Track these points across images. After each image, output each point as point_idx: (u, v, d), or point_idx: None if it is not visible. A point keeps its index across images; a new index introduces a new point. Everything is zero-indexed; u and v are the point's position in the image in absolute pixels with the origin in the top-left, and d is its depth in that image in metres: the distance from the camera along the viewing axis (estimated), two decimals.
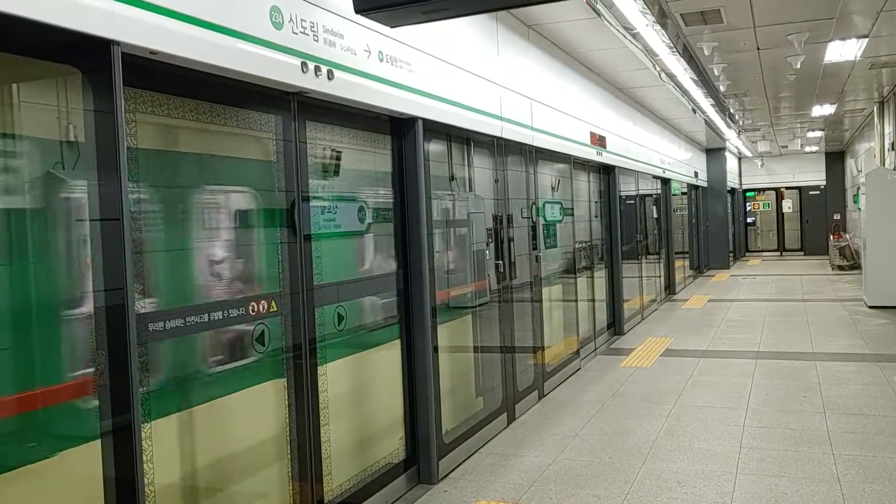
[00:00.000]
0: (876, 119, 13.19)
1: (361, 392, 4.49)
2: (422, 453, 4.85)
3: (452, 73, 5.25)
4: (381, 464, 4.55)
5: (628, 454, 5.22)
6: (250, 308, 3.46)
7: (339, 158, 4.30)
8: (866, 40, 8.15)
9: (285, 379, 3.71)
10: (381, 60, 4.30)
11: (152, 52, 2.79)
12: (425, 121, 4.82)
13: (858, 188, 13.65)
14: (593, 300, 9.28)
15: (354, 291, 4.47)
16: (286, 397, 3.72)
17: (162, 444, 3.00)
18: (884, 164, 12.52)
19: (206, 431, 3.30)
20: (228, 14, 3.12)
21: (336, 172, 4.29)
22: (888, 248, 11.55)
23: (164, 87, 3.08)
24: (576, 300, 8.40)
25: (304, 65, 3.58)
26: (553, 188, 7.87)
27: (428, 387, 4.83)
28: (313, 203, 3.95)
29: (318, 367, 3.91)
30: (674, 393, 6.85)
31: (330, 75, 3.78)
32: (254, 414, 3.59)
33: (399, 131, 4.80)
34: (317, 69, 3.67)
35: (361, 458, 4.40)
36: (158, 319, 2.97)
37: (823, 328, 10.13)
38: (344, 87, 3.92)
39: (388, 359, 4.78)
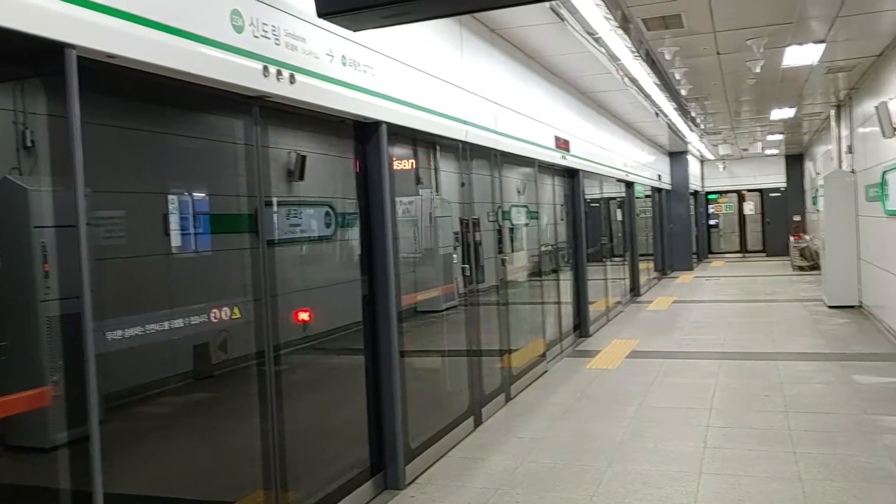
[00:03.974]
0: (833, 122, 13.45)
1: (326, 398, 4.46)
2: (388, 459, 4.83)
3: (417, 78, 5.25)
4: (346, 470, 4.52)
5: (594, 456, 5.25)
6: (212, 315, 3.42)
7: (303, 163, 4.26)
8: (823, 45, 8.31)
9: (248, 385, 3.67)
10: (345, 64, 4.28)
11: (109, 56, 2.74)
12: (389, 125, 4.80)
13: (817, 190, 13.92)
14: (559, 303, 9.32)
15: (319, 297, 4.43)
16: (250, 404, 3.67)
17: (123, 454, 2.95)
18: (841, 167, 12.77)
19: (170, 439, 3.25)
20: (188, 17, 3.08)
21: (300, 177, 4.25)
22: (846, 249, 11.77)
23: (123, 91, 3.03)
24: (542, 303, 8.44)
25: (265, 69, 3.55)
26: (519, 192, 7.90)
27: (394, 392, 4.80)
28: (276, 209, 3.91)
29: (283, 374, 3.88)
30: (639, 394, 6.90)
31: (292, 79, 3.75)
32: (217, 420, 3.55)
33: (363, 136, 4.77)
34: (278, 73, 3.64)
35: (327, 465, 4.36)
36: (117, 327, 2.92)
37: (785, 328, 10.30)
38: (306, 92, 3.89)
39: (353, 364, 4.75)
